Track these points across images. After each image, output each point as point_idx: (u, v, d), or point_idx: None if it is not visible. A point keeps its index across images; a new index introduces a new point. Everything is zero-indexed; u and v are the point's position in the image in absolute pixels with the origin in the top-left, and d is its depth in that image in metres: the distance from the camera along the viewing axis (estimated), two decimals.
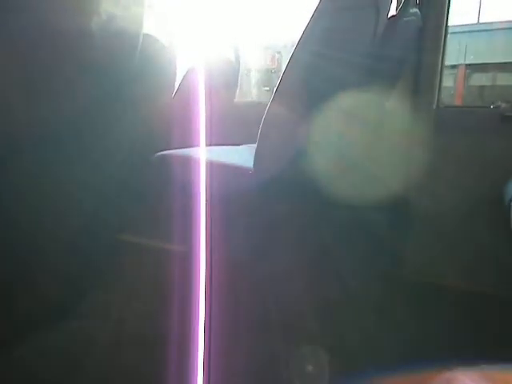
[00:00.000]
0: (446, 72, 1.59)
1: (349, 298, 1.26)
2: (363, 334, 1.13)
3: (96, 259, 1.04)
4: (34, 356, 0.95)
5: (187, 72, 1.55)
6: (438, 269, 1.52)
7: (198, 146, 1.08)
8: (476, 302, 1.36)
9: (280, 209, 1.07)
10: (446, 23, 1.50)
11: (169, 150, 1.17)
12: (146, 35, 1.01)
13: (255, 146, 1.01)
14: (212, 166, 1.03)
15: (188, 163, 1.08)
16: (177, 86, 1.49)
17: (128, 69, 0.85)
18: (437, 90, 1.51)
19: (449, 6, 1.49)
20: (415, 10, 1.26)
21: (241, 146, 1.44)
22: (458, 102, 2.82)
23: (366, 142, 1.31)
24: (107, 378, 0.94)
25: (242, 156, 1.17)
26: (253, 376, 0.96)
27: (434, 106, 1.52)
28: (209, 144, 1.09)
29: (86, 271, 1.04)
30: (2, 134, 0.66)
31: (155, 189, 1.13)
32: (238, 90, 1.95)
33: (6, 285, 0.80)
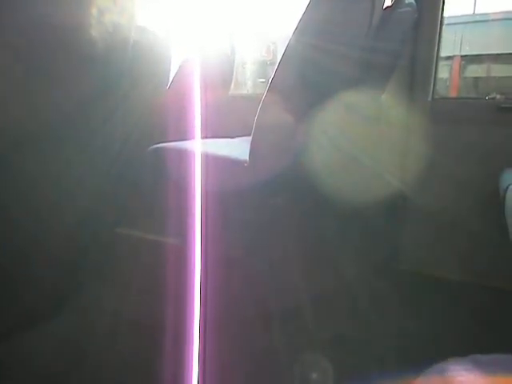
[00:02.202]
0: (441, 63, 1.59)
1: (346, 292, 1.26)
2: (362, 328, 1.13)
3: (92, 252, 1.04)
4: (32, 348, 0.95)
5: (182, 64, 1.54)
6: (435, 261, 1.52)
7: (192, 138, 1.07)
8: (473, 293, 1.37)
9: (275, 201, 1.07)
10: (442, 14, 1.50)
11: (163, 142, 1.16)
12: (140, 27, 1.00)
13: (250, 138, 1.01)
14: (207, 159, 1.03)
15: (183, 156, 1.08)
16: (171, 78, 1.48)
17: (121, 61, 0.84)
18: (432, 82, 1.51)
19: None
20: (411, 0, 1.25)
21: (236, 139, 1.43)
22: (453, 93, 2.82)
23: (362, 133, 1.31)
24: (104, 367, 0.94)
25: (237, 148, 1.16)
26: (247, 368, 0.97)
27: (430, 98, 1.51)
28: (203, 137, 1.08)
29: (82, 265, 1.04)
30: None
31: (150, 181, 1.12)
32: (233, 82, 1.93)
33: (4, 278, 0.80)
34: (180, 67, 1.54)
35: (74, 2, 0.67)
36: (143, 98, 1.07)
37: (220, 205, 1.01)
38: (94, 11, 0.69)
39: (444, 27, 1.52)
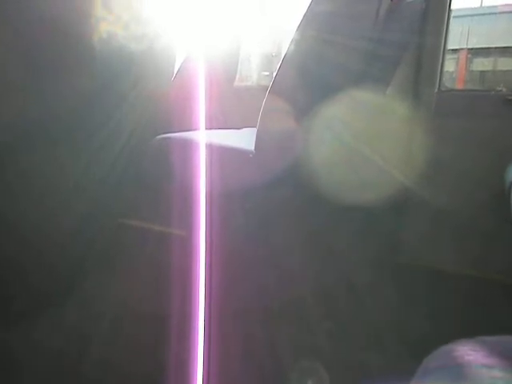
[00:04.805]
0: (447, 56, 1.57)
1: (346, 285, 1.26)
2: (361, 320, 1.14)
3: (98, 243, 1.04)
4: (33, 336, 0.96)
5: (187, 56, 1.53)
6: (436, 254, 1.52)
7: (197, 129, 1.08)
8: (474, 286, 1.37)
9: (280, 192, 1.08)
10: (449, 6, 1.48)
11: (169, 133, 1.16)
12: (145, 20, 1.00)
13: (255, 129, 1.01)
14: (212, 149, 1.03)
15: (188, 146, 1.08)
16: (176, 70, 1.48)
17: (126, 54, 0.84)
18: (439, 74, 1.50)
19: None
20: None
21: (241, 130, 1.43)
22: (459, 86, 2.80)
23: (367, 126, 1.30)
24: (109, 357, 0.95)
25: (243, 139, 1.16)
26: (251, 359, 0.98)
27: (436, 90, 1.50)
28: (209, 128, 1.09)
29: (88, 256, 1.04)
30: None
31: (155, 172, 1.13)
32: (237, 75, 1.93)
33: (13, 269, 0.81)
34: (185, 60, 1.53)
35: (74, 4, 0.67)
36: (148, 87, 1.07)
37: (225, 195, 1.01)
38: (99, 9, 0.69)
39: (451, 20, 1.51)
